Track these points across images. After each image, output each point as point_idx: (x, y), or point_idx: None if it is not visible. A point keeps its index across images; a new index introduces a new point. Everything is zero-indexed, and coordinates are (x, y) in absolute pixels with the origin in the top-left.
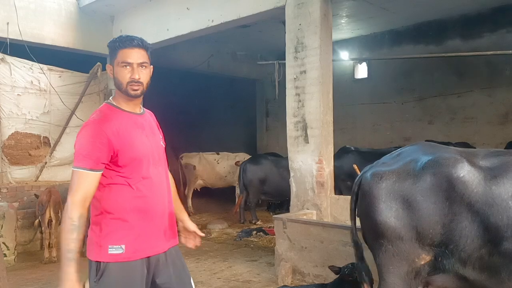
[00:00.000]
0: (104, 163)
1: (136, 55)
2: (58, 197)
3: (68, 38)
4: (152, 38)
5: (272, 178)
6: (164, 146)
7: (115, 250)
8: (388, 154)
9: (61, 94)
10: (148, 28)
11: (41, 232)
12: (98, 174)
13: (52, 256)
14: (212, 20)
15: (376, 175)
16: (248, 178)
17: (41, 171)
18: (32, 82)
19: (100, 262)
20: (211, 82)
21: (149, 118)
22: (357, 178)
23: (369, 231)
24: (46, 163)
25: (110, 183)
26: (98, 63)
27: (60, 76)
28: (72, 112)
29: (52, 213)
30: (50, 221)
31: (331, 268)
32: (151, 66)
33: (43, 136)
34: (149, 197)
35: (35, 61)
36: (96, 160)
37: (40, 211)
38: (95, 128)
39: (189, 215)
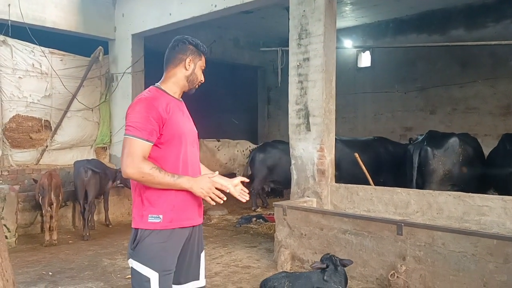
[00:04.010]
0: (155, 137)
1: (205, 63)
2: (58, 180)
3: (69, 21)
4: (154, 22)
5: (281, 166)
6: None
7: (154, 219)
8: None
9: (63, 77)
10: (151, 12)
11: (42, 215)
12: (150, 145)
13: (53, 239)
14: (215, 5)
15: None
16: (256, 166)
17: (42, 154)
18: (33, 65)
19: (139, 229)
20: (212, 69)
21: (184, 106)
22: None
23: None
24: (47, 146)
25: (151, 156)
26: (100, 47)
27: (61, 60)
28: (74, 96)
29: (53, 196)
30: (51, 204)
31: (314, 266)
32: None
33: (44, 120)
34: (185, 173)
35: (36, 44)
36: (150, 132)
37: (41, 194)
38: (148, 103)
39: None
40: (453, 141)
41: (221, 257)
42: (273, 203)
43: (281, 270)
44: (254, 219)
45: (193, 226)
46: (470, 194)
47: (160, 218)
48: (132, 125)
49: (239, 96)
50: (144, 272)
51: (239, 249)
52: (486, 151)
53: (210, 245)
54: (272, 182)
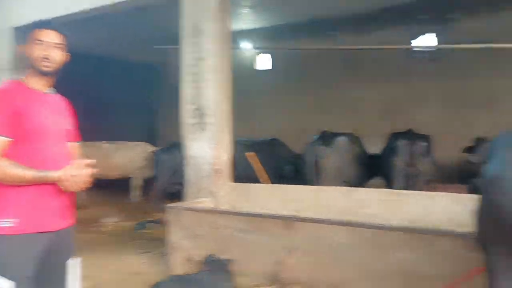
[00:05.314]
0: (10, 132)
1: (51, 36)
2: None
3: None
4: (43, 14)
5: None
6: (70, 128)
7: (5, 223)
8: None
9: None
10: (39, 3)
11: None
12: (6, 141)
13: None
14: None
15: None
16: (160, 168)
17: None
18: None
19: None
20: (108, 67)
21: (58, 100)
22: None
23: None
24: None
25: (6, 155)
26: None
27: None
28: None
29: None
30: None
31: (201, 272)
32: (67, 53)
33: None
34: None
35: None
36: (5, 126)
37: None
38: (1, 96)
39: (84, 208)
40: (341, 140)
41: (112, 264)
42: (166, 205)
43: (173, 274)
44: (152, 223)
45: (56, 230)
46: (355, 188)
47: (12, 222)
48: None
49: (136, 96)
50: None
51: (132, 255)
52: (372, 150)
53: (102, 253)
54: (177, 184)
